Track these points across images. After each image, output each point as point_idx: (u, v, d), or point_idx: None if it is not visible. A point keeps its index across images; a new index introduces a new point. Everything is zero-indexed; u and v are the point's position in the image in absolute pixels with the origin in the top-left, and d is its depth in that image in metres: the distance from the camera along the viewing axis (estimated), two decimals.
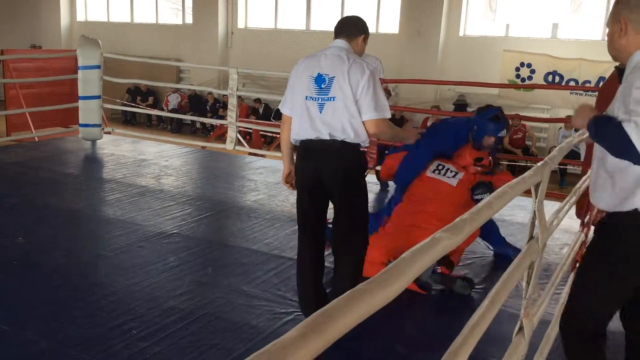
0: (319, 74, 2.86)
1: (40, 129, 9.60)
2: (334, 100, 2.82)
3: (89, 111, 7.16)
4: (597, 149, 2.10)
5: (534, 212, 1.51)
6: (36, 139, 8.91)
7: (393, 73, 7.62)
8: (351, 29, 2.99)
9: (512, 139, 11.26)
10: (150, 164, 6.57)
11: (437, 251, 0.90)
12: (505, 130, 3.84)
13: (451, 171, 3.80)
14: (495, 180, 3.81)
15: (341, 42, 2.95)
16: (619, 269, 2.06)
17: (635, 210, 1.98)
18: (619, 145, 1.86)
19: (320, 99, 2.85)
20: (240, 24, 15.50)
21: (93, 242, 4.22)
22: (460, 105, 12.00)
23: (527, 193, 1.68)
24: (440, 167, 3.83)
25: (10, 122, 10.25)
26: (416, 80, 8.19)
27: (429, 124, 11.94)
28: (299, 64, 3.00)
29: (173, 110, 14.81)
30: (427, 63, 12.16)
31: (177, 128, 15.26)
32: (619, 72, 2.07)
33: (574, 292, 2.22)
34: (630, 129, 1.81)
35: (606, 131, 1.92)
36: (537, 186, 1.47)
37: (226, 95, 12.23)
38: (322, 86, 2.84)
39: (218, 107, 14.73)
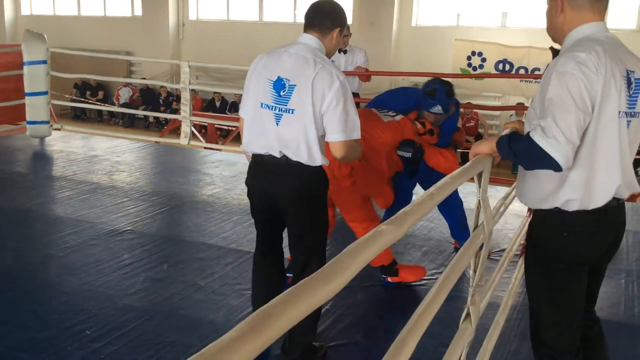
0: (279, 77, 2.38)
1: None
2: (292, 113, 2.37)
3: (36, 108, 6.94)
4: None
5: (479, 201, 1.53)
6: None
7: None
8: (324, 21, 2.45)
9: (465, 127, 11.47)
10: (102, 160, 6.42)
11: (378, 245, 0.91)
12: (439, 107, 3.52)
13: (393, 113, 3.54)
14: (430, 151, 3.53)
15: (310, 39, 2.45)
16: (556, 276, 1.96)
17: (557, 208, 1.89)
18: (536, 158, 1.74)
19: (277, 109, 2.39)
20: (192, 16, 15.28)
21: (43, 242, 4.11)
22: None
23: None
24: (385, 110, 3.58)
25: None
26: (371, 72, 8.23)
27: None
28: (257, 60, 2.51)
29: (125, 105, 14.50)
30: (381, 53, 12.24)
31: (129, 122, 14.97)
32: (554, 53, 1.95)
33: (531, 310, 2.10)
34: (538, 137, 1.70)
35: (518, 148, 1.80)
36: (479, 175, 1.49)
37: (179, 89, 11.99)
38: (281, 93, 2.38)
39: (171, 100, 14.51)
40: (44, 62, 6.92)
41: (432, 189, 1.15)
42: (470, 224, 1.62)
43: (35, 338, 2.82)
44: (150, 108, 13.79)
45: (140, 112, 11.87)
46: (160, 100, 14.70)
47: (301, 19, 2.67)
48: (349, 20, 13.10)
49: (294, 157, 2.39)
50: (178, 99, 14.28)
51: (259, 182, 2.52)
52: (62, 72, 7.74)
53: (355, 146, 2.44)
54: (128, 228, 4.31)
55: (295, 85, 2.35)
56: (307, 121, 2.35)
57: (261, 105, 2.43)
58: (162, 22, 14.96)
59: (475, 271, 1.57)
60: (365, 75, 6.10)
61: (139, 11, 15.62)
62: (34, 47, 6.85)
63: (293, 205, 2.49)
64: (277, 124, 2.39)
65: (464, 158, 11.31)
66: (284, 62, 2.40)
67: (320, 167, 2.46)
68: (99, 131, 8.51)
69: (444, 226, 4.41)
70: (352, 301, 3.37)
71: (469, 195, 5.18)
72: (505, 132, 2.02)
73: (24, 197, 5.17)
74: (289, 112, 2.37)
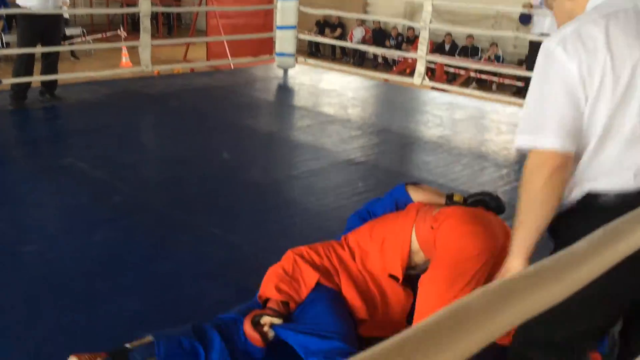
0: None
1: (234, 57, 10.27)
2: None
3: (285, 41, 7.47)
4: None
5: None
6: (232, 66, 9.55)
7: None
8: None
9: None
10: (337, 94, 6.73)
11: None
12: None
13: None
14: None
15: None
16: None
17: None
18: None
19: None
20: None
21: (286, 164, 4.50)
22: None
23: None
24: None
25: (210, 49, 11.15)
26: None
27: None
28: (588, 30, 1.42)
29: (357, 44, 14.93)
30: None
31: (359, 61, 15.40)
32: None
33: None
34: None
35: None
36: None
37: (411, 29, 11.91)
38: None
39: (401, 41, 14.56)
40: None
41: None
42: None
43: (277, 246, 3.12)
44: None
45: (373, 50, 12.14)
46: (390, 42, 14.82)
47: None
48: None
49: None
50: (408, 40, 14.25)
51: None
52: (307, 7, 8.14)
53: None
54: (362, 159, 4.50)
55: None
56: None
57: None
58: None
59: None
60: None
61: None
62: None
63: None
64: None
65: None
66: None
67: None
68: (334, 66, 8.91)
69: None
70: None
71: None
72: None
73: (270, 121, 5.67)
74: None
